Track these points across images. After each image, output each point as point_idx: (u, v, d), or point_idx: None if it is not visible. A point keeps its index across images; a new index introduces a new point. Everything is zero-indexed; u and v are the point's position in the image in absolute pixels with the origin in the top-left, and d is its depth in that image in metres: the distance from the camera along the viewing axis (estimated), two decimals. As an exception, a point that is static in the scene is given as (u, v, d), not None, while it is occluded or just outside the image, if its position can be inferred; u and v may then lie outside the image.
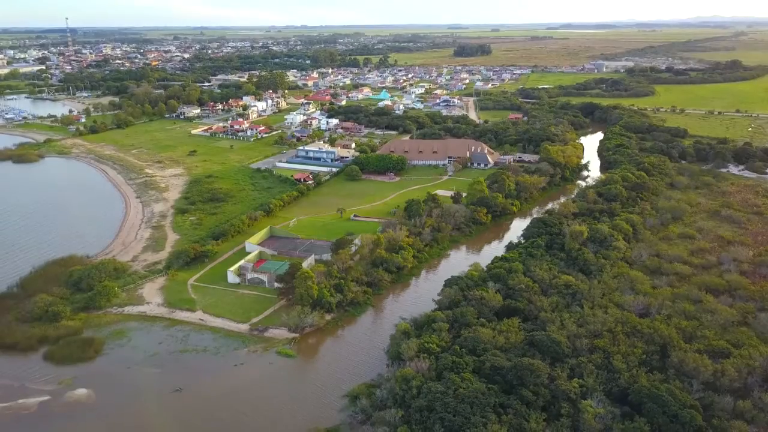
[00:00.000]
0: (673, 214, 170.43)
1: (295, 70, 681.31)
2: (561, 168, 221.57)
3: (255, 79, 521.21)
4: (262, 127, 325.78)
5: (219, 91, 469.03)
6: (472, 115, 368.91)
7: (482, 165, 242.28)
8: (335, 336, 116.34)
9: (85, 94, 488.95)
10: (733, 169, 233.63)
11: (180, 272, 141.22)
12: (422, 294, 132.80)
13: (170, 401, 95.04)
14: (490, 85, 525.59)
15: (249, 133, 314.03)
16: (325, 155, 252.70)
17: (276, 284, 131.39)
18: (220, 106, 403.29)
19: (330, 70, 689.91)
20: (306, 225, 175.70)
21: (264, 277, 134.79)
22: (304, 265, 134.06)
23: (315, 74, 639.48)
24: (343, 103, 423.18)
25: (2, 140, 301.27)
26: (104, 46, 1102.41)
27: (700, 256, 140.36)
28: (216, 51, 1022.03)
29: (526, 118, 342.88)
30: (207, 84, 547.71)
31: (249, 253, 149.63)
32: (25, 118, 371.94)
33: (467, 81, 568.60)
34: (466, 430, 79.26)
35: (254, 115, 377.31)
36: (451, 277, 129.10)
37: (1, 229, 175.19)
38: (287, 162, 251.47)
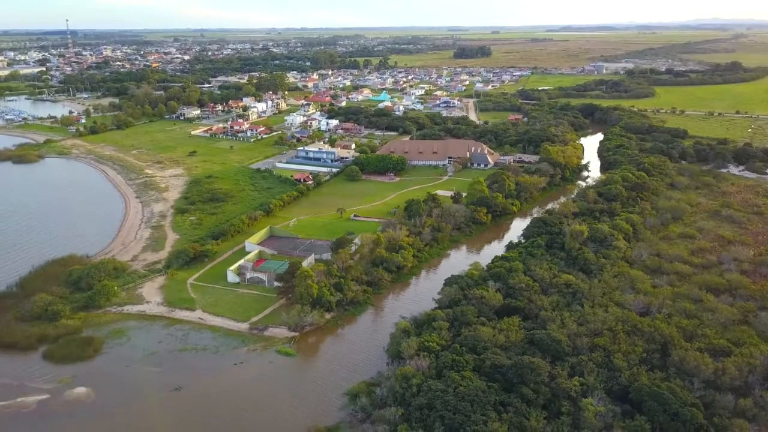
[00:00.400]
0: (673, 214, 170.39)
1: (295, 72, 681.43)
2: (561, 168, 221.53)
3: (255, 81, 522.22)
4: (262, 128, 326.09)
5: (219, 92, 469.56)
6: (472, 116, 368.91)
7: (482, 165, 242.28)
8: (335, 335, 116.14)
9: (85, 96, 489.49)
10: (733, 170, 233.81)
11: (180, 271, 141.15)
12: (422, 293, 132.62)
13: (170, 400, 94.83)
14: (490, 87, 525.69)
15: (249, 133, 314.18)
16: (325, 156, 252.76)
17: (276, 283, 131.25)
18: (220, 107, 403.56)
19: (330, 72, 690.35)
20: (306, 225, 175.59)
21: (264, 276, 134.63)
22: (304, 264, 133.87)
23: (315, 76, 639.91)
24: (343, 104, 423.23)
25: (2, 141, 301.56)
26: (104, 48, 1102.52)
27: (701, 256, 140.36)
28: (216, 53, 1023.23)
29: (526, 119, 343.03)
30: (207, 85, 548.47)
31: (249, 252, 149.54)
32: (25, 119, 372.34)
33: (467, 82, 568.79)
34: (467, 428, 79.10)
35: (254, 116, 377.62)
36: (451, 276, 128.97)
37: (1, 229, 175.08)
38: (287, 162, 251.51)
